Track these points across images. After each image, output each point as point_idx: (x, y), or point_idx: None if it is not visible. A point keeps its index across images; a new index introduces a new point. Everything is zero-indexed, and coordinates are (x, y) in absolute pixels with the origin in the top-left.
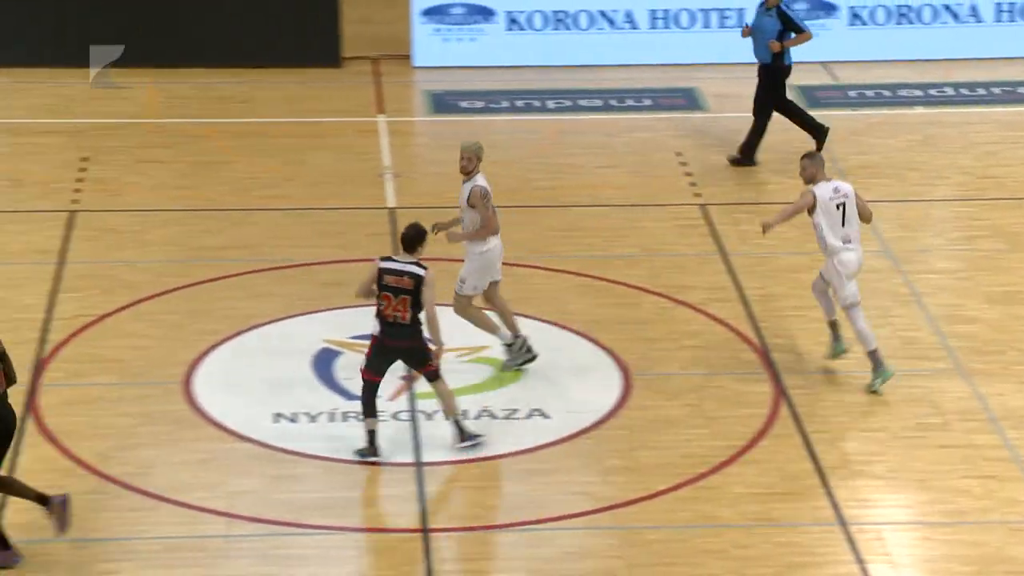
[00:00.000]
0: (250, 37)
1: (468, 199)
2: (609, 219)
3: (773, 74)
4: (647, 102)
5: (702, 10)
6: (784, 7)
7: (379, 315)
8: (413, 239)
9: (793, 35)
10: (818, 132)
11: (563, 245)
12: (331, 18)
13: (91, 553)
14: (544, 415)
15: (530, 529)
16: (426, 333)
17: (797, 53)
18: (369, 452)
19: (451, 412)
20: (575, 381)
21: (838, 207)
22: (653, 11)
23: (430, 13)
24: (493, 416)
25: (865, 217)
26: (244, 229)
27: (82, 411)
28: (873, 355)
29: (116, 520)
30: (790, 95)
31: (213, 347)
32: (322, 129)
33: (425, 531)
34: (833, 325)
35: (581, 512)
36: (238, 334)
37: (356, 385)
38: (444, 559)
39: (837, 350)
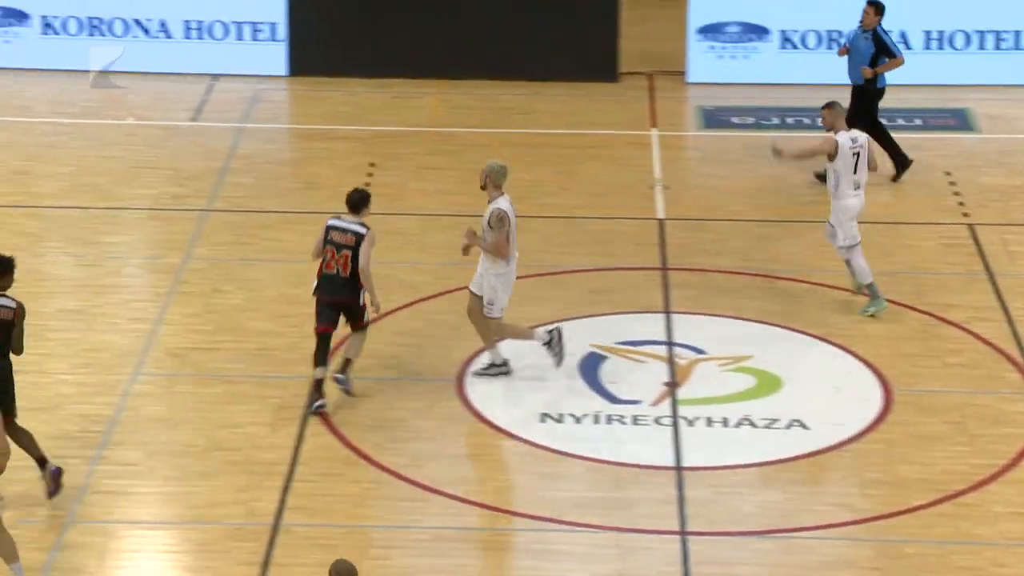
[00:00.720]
0: (532, 52)
1: (488, 220)
2: (875, 236)
3: (866, 96)
4: (917, 122)
5: (978, 32)
6: (880, 31)
7: (320, 269)
8: (358, 201)
9: (886, 59)
10: (901, 162)
11: (827, 260)
12: (610, 35)
13: (365, 538)
14: (804, 426)
15: (788, 537)
16: None
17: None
18: (317, 399)
19: (349, 357)
20: (836, 394)
21: (855, 155)
22: (928, 32)
23: (706, 31)
24: (753, 425)
25: (872, 166)
26: (519, 236)
27: (361, 404)
28: (871, 287)
29: (389, 509)
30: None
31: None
32: (597, 141)
33: (683, 534)
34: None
35: (839, 523)
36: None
37: (621, 390)
38: (701, 562)
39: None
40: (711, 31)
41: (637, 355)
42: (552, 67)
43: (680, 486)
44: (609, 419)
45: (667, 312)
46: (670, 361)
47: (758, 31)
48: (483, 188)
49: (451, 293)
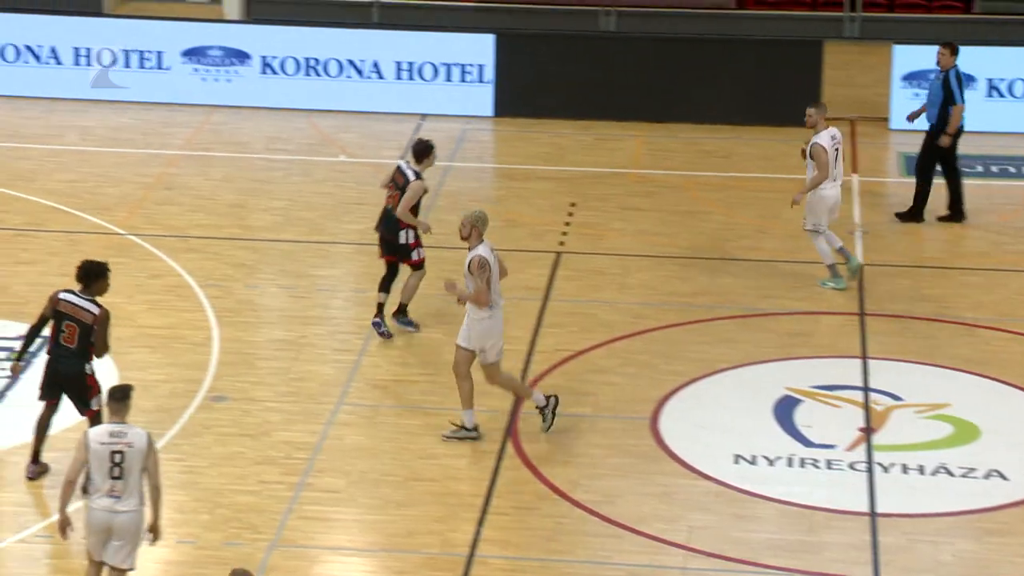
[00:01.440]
0: (734, 96)
1: (468, 267)
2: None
3: (935, 139)
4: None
5: None
6: (952, 75)
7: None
8: (420, 151)
9: (951, 108)
10: (956, 212)
11: None
12: (814, 81)
13: (558, 573)
14: (1003, 476)
15: None
16: None
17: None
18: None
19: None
20: None
21: (835, 151)
22: None
23: (910, 78)
24: (950, 473)
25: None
26: (716, 277)
27: (557, 439)
28: (832, 268)
29: (582, 544)
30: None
31: (680, 387)
32: (797, 185)
33: None
34: (841, 251)
35: None
36: (704, 376)
37: (816, 434)
38: None
39: (853, 265)
40: (915, 78)
41: (833, 400)
42: (753, 111)
43: (874, 532)
44: (803, 462)
45: (864, 357)
46: (866, 407)
47: (965, 79)
48: (465, 238)
49: (647, 333)
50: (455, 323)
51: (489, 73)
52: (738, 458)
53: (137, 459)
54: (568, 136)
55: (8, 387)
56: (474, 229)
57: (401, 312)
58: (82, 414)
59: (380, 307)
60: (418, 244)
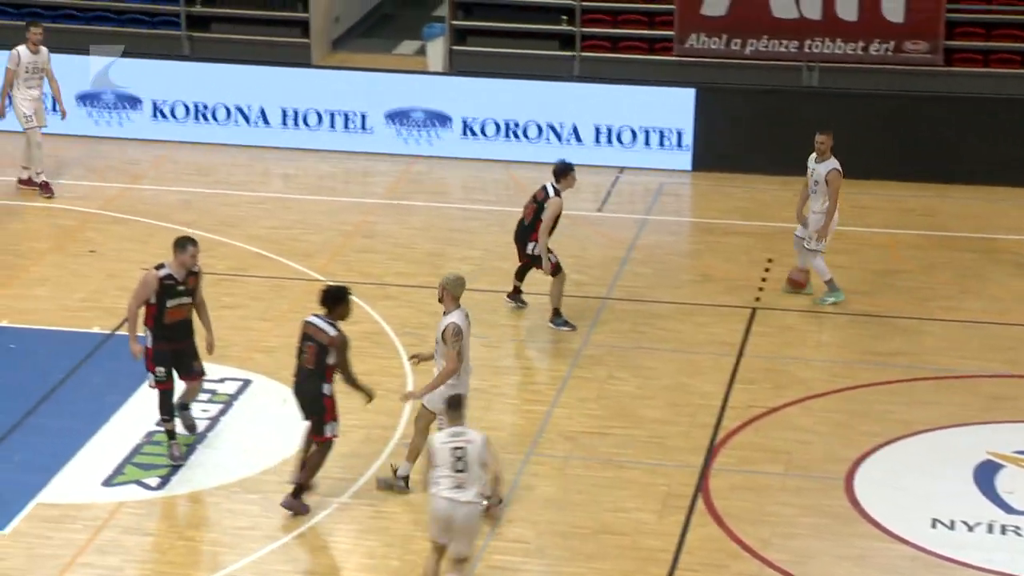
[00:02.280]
0: (936, 154)
1: (442, 334)
2: None
3: None
4: None
5: None
6: None
7: None
8: (560, 171)
9: None
10: None
11: None
12: (1021, 138)
13: None
14: None
15: None
16: None
17: None
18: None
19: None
20: None
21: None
22: None
23: None
24: None
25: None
26: (913, 337)
27: (749, 497)
28: (830, 283)
29: None
30: None
31: (875, 448)
32: (1004, 246)
33: None
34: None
35: None
36: (899, 438)
37: (1019, 500)
38: None
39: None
40: None
41: None
42: (956, 169)
43: None
44: (1004, 529)
45: None
46: None
47: None
48: (440, 301)
49: (843, 392)
50: (652, 376)
51: (688, 137)
52: (936, 522)
53: (476, 455)
54: (766, 191)
55: (209, 428)
56: (446, 293)
57: (556, 315)
58: (315, 440)
59: (516, 288)
60: (550, 251)
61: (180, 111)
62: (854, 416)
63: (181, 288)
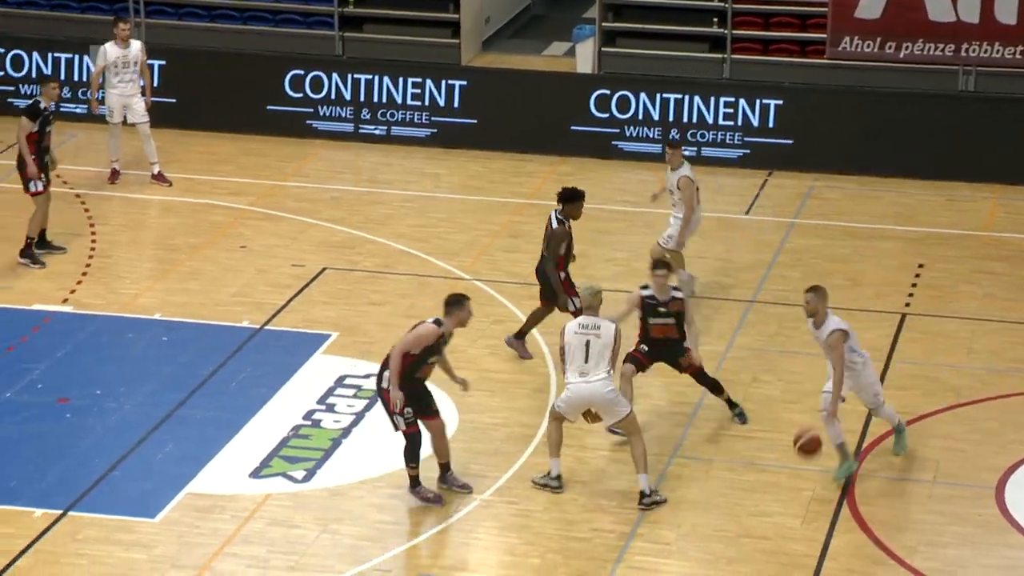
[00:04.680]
0: None
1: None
2: None
3: None
4: None
5: None
6: None
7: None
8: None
9: None
10: None
11: None
12: None
13: None
14: None
15: None
16: None
17: None
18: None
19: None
20: None
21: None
22: None
23: None
24: None
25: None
26: None
27: (895, 504)
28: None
29: None
30: None
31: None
32: None
33: None
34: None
35: None
36: None
37: None
38: None
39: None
40: None
41: None
42: None
43: None
44: None
45: None
46: None
47: None
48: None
49: (995, 400)
50: (797, 381)
51: (838, 141)
52: None
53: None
54: (916, 196)
55: (354, 423)
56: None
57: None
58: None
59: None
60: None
61: (331, 110)
62: (1005, 425)
63: (443, 345)
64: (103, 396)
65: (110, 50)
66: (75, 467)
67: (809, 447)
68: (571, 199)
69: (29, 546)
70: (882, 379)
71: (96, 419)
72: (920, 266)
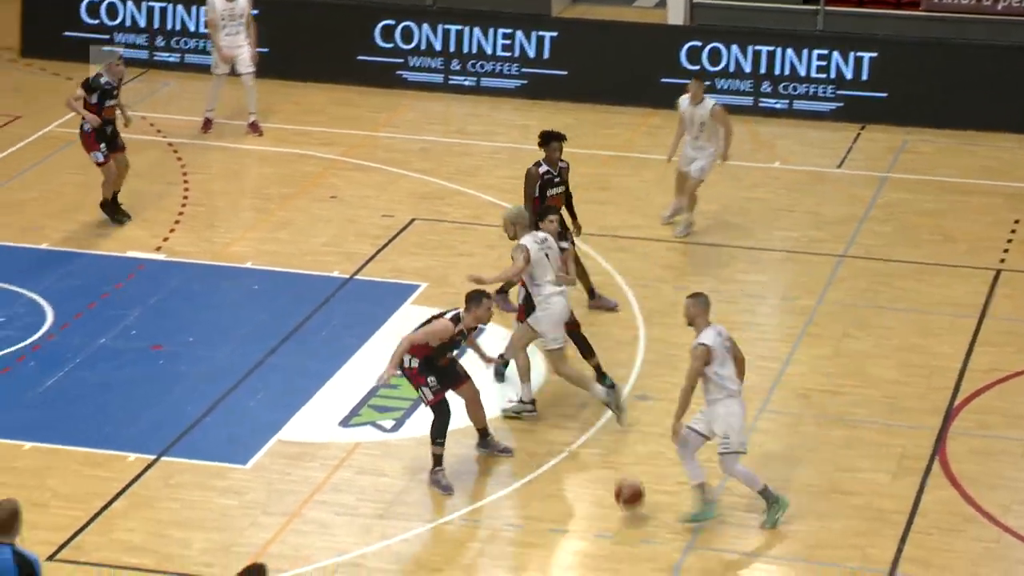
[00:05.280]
0: None
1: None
2: None
3: None
4: None
5: None
6: None
7: None
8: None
9: None
10: None
11: None
12: None
13: None
14: None
15: None
16: None
17: None
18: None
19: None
20: None
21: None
22: None
23: None
24: None
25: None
26: None
27: (987, 462)
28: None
29: (1011, 572)
30: None
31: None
32: None
33: None
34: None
35: None
36: None
37: None
38: None
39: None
40: None
41: None
42: None
43: None
44: None
45: None
46: None
47: None
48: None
49: None
50: (887, 336)
51: (932, 95)
52: None
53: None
54: (1012, 150)
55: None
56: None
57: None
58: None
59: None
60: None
61: (421, 60)
62: None
63: (462, 341)
64: (195, 343)
65: (218, 3)
66: (168, 413)
67: (632, 499)
68: (545, 142)
69: (124, 489)
70: (974, 336)
71: (188, 366)
72: (1016, 222)
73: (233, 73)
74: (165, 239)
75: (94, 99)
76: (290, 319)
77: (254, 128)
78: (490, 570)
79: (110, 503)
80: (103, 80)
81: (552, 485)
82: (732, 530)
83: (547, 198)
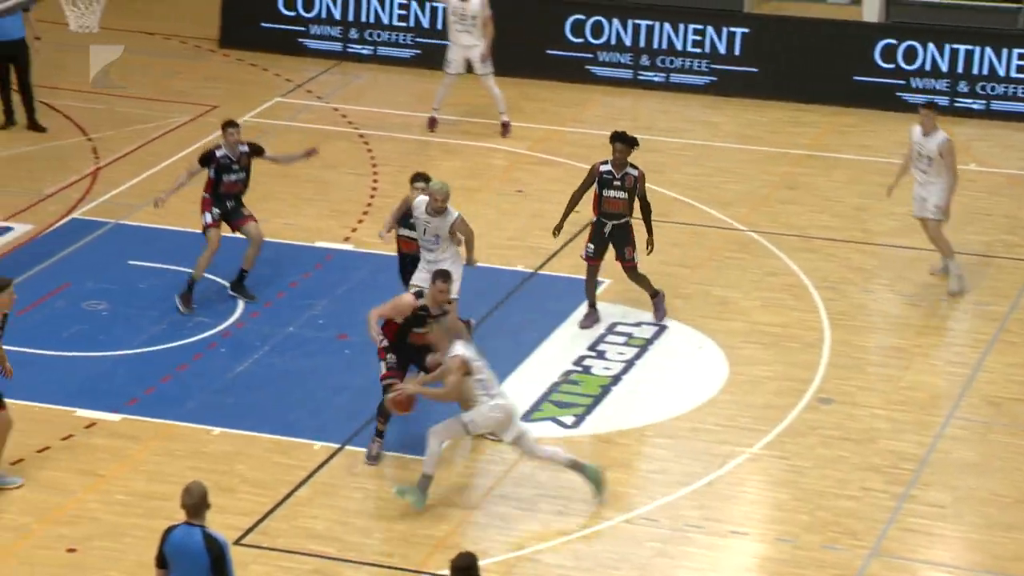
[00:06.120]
0: None
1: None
2: None
3: None
4: None
5: None
6: None
7: None
8: None
9: None
10: None
11: None
12: None
13: None
14: None
15: None
16: None
17: None
18: None
19: None
20: None
21: None
22: None
23: None
24: None
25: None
26: None
27: None
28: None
29: None
30: None
31: None
32: None
33: None
34: None
35: None
36: None
37: None
38: None
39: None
40: None
41: None
42: None
43: None
44: None
45: None
46: None
47: None
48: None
49: None
50: None
51: None
52: None
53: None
54: None
55: (624, 371)
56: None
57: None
58: None
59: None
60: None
61: (611, 56)
62: None
63: (428, 320)
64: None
65: (451, 0)
66: (353, 402)
67: (397, 403)
68: (610, 141)
69: (308, 477)
70: None
71: (373, 356)
72: None
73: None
74: (353, 229)
75: (211, 173)
76: (473, 313)
77: (505, 128)
78: (669, 571)
79: (295, 490)
80: (219, 154)
81: (733, 487)
82: (918, 538)
83: (604, 199)
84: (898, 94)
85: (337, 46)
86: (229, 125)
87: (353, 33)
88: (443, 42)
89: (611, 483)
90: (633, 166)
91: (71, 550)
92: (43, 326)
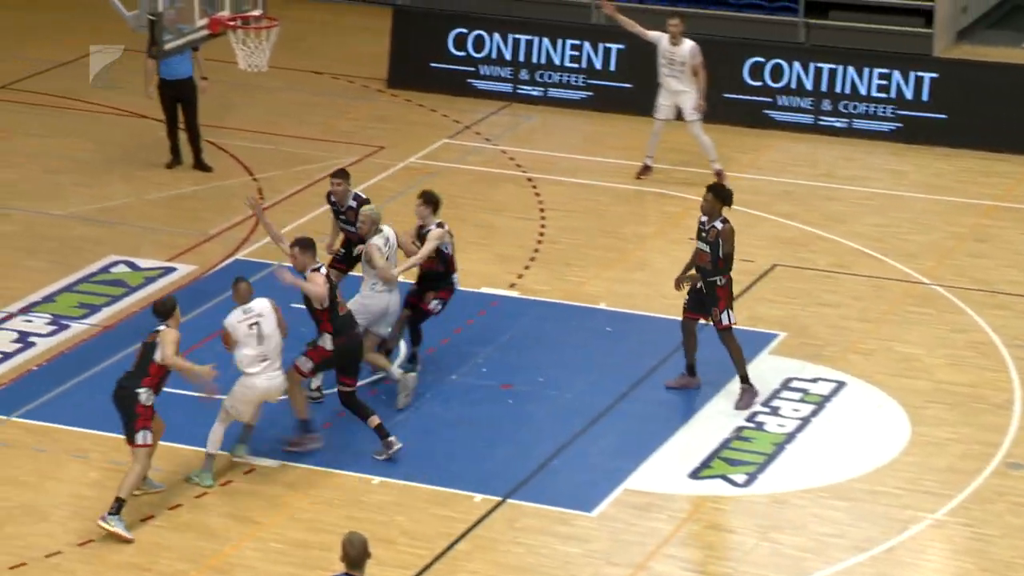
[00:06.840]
0: None
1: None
2: None
3: None
4: None
5: None
6: None
7: None
8: None
9: None
10: None
11: None
12: None
13: None
14: None
15: None
16: None
17: None
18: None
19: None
20: None
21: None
22: None
23: None
24: None
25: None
26: None
27: None
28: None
29: None
30: None
31: None
32: None
33: None
34: None
35: None
36: None
37: None
38: None
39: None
40: None
41: None
42: None
43: None
44: None
45: None
46: None
47: None
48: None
49: None
50: None
51: None
52: None
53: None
54: None
55: (799, 428)
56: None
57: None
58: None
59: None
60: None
61: (791, 100)
62: None
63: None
64: (545, 384)
65: (662, 43)
66: (515, 454)
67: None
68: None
69: (468, 530)
70: None
71: (537, 406)
72: None
73: (679, 118)
74: (520, 276)
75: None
76: (642, 363)
77: (720, 176)
78: None
79: (454, 543)
80: (333, 199)
81: (915, 554)
82: None
83: (696, 251)
84: None
85: (507, 87)
86: (335, 175)
87: (524, 74)
88: (615, 84)
89: (783, 546)
90: (725, 219)
91: None
92: None
